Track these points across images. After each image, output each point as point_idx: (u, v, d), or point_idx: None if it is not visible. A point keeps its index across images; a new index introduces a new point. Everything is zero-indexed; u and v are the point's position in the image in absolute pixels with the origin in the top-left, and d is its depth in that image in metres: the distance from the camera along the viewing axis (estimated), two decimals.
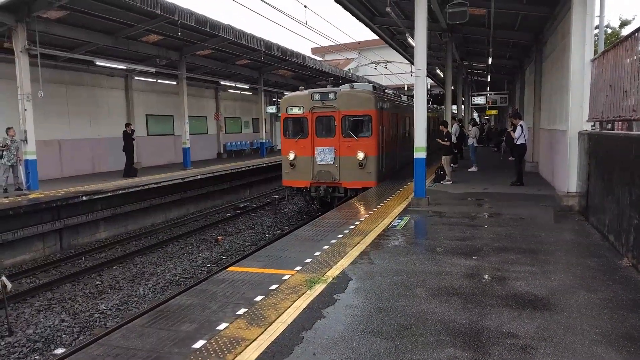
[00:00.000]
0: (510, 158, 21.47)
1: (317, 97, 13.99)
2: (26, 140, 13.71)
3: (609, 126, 8.89)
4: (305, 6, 16.31)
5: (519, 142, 13.23)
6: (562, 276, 5.72)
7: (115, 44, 16.36)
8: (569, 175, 9.68)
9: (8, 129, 13.62)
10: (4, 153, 13.42)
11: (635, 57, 6.23)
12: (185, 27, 15.35)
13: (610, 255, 6.51)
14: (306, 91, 14.35)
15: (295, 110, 14.31)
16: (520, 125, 13.17)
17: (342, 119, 13.87)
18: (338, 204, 13.49)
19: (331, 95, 13.87)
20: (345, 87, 14.46)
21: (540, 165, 16.47)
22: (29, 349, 7.49)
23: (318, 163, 14.18)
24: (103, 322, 8.43)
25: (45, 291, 9.93)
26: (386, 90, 19.83)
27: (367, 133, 13.89)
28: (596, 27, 10.98)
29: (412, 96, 24.60)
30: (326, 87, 14.86)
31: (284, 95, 17.65)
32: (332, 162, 14.02)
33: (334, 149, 13.96)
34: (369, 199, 12.07)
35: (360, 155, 13.67)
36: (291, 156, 14.48)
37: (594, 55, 9.09)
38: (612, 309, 4.70)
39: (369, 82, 24.21)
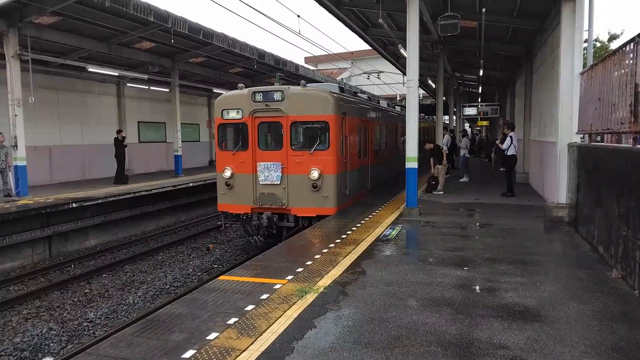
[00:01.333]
0: (502, 169, 21.69)
1: (259, 97, 11.12)
2: (16, 146, 13.59)
3: (598, 138, 9.01)
4: (298, 16, 16.39)
5: (509, 153, 13.35)
6: (552, 287, 5.76)
7: (107, 51, 16.32)
8: (558, 187, 9.77)
9: None
10: None
11: (623, 71, 6.34)
12: (178, 35, 15.36)
13: (600, 267, 6.57)
14: (246, 90, 11.42)
15: (233, 115, 11.43)
16: (510, 137, 13.29)
17: (292, 126, 11.03)
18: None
19: (277, 95, 10.97)
20: (296, 86, 11.29)
21: (531, 176, 16.61)
22: (16, 357, 7.38)
23: (261, 183, 11.25)
24: (92, 331, 8.33)
25: (34, 299, 9.81)
26: (358, 94, 16.25)
27: (324, 145, 11.01)
28: (585, 41, 11.16)
29: (403, 106, 24.74)
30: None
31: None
32: (278, 182, 11.09)
33: (281, 165, 11.05)
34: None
35: (314, 174, 10.79)
36: (227, 173, 11.51)
37: (583, 68, 9.23)
38: (602, 320, 4.73)
39: (346, 85, 21.62)
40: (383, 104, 18.62)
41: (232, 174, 11.52)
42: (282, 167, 11.06)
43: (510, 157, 13.43)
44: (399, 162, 18.55)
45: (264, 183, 11.25)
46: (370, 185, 14.54)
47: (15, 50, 13.13)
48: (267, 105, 11.07)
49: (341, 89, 13.05)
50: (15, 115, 13.43)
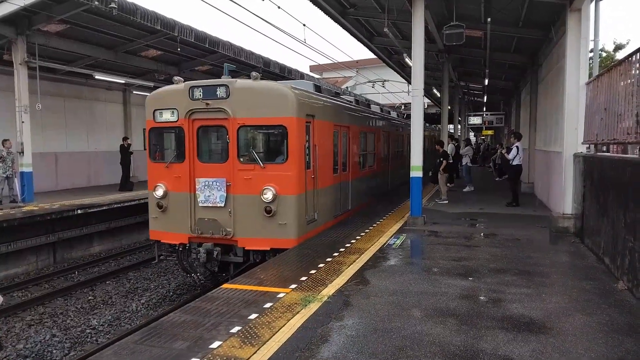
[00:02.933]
0: (499, 178, 21.63)
1: (197, 93, 8.74)
2: (23, 152, 13.69)
3: (604, 149, 8.97)
4: (304, 25, 16.47)
5: (514, 163, 13.29)
6: (557, 299, 5.71)
7: (114, 58, 16.45)
8: (564, 197, 9.72)
9: (4, 140, 13.61)
10: (0, 165, 13.38)
11: (629, 81, 6.32)
12: (184, 43, 15.46)
13: (606, 278, 6.51)
14: (182, 84, 9.00)
15: (167, 116, 9.09)
16: (516, 146, 13.24)
17: (239, 132, 8.68)
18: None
19: (220, 91, 8.61)
20: (246, 80, 8.85)
21: (536, 186, 16.53)
22: None
23: (201, 205, 8.85)
24: (95, 338, 8.33)
25: (37, 305, 9.83)
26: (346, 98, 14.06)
27: (281, 156, 8.76)
28: (591, 51, 11.16)
29: (405, 113, 24.70)
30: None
31: None
32: (222, 205, 8.72)
33: (226, 181, 8.70)
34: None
35: (268, 195, 8.45)
36: (159, 192, 9.15)
37: (589, 78, 9.21)
38: (608, 332, 4.68)
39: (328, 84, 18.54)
40: (375, 108, 16.86)
41: (166, 193, 9.14)
42: (227, 185, 8.70)
43: (515, 166, 13.37)
44: (394, 174, 17.86)
45: (204, 205, 8.82)
46: (351, 206, 12.14)
47: (23, 57, 13.27)
48: (207, 104, 8.68)
49: (317, 88, 10.93)
50: (23, 122, 13.55)
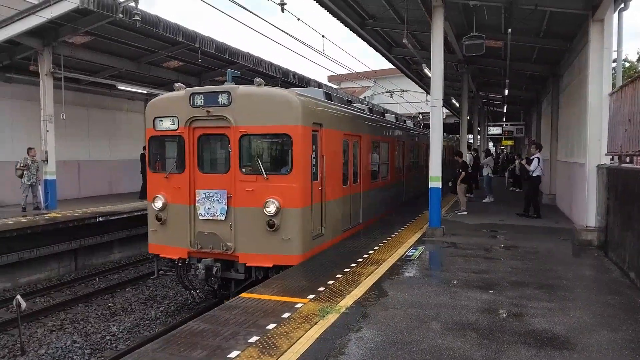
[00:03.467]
0: (513, 188, 21.30)
1: (199, 100, 8.36)
2: (47, 161, 14.00)
3: (628, 160, 8.80)
4: (323, 36, 16.58)
5: (535, 174, 13.11)
6: (581, 313, 5.58)
7: (137, 69, 16.77)
8: (587, 209, 9.54)
9: (29, 149, 13.94)
10: (25, 173, 13.70)
11: None
12: (205, 54, 15.70)
13: (631, 293, 6.35)
14: (183, 91, 8.64)
15: (167, 124, 8.74)
16: (537, 157, 13.06)
17: (241, 141, 8.26)
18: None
19: (222, 98, 8.23)
20: (249, 86, 8.45)
21: (558, 197, 16.26)
22: None
23: (200, 218, 8.44)
24: (114, 345, 8.41)
25: (59, 311, 9.98)
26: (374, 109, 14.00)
27: (285, 167, 8.29)
28: (614, 61, 10.99)
29: (422, 124, 24.53)
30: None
31: None
32: (222, 218, 8.28)
33: (227, 193, 8.27)
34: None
35: (271, 208, 7.99)
36: (158, 204, 8.75)
37: (612, 89, 9.07)
38: (635, 349, 4.56)
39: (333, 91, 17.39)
40: (390, 117, 16.43)
41: (165, 205, 8.71)
42: (228, 197, 8.24)
43: (535, 178, 13.19)
44: (410, 185, 17.32)
45: (204, 218, 8.40)
46: (363, 219, 11.63)
47: (49, 68, 13.61)
48: (208, 111, 8.30)
49: (328, 96, 10.47)
50: (47, 131, 13.88)
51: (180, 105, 8.54)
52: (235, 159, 8.22)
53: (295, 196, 8.10)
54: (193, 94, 8.40)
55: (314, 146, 8.71)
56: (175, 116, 8.61)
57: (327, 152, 9.24)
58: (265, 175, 8.07)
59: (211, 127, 8.48)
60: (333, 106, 10.14)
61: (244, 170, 8.24)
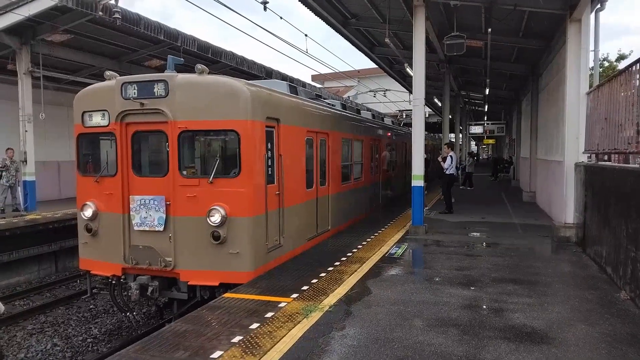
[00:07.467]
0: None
1: (132, 91, 7.21)
2: (26, 161, 13.75)
3: (605, 158, 8.98)
4: (306, 35, 16.57)
5: (448, 172, 13.82)
6: (560, 308, 5.69)
7: (118, 68, 16.51)
8: (566, 206, 9.72)
9: (7, 149, 13.67)
10: (3, 174, 13.46)
11: (629, 91, 6.35)
12: (187, 53, 15.55)
13: (608, 288, 6.49)
14: (114, 80, 7.45)
15: (97, 119, 7.57)
16: (450, 156, 13.78)
17: (180, 138, 7.13)
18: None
19: (158, 88, 7.10)
20: (190, 74, 7.24)
21: (538, 195, 16.53)
22: None
23: (136, 229, 7.28)
24: (96, 348, 8.32)
25: (39, 314, 9.82)
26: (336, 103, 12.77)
27: (232, 169, 7.15)
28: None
29: (402, 122, 24.65)
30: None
31: None
32: (161, 229, 7.14)
33: (165, 200, 7.12)
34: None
35: (216, 217, 6.87)
36: (87, 212, 7.56)
37: (590, 88, 9.25)
38: (611, 343, 4.67)
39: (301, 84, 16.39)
40: (366, 114, 15.60)
41: (96, 214, 7.53)
42: (166, 205, 7.10)
43: (448, 175, 13.91)
44: (387, 186, 16.86)
45: (139, 229, 7.22)
46: (332, 225, 10.64)
47: (27, 67, 13.36)
48: (141, 104, 7.14)
49: (293, 89, 9.43)
50: (26, 131, 13.62)
51: (111, 98, 7.33)
52: (174, 159, 7.07)
53: (244, 203, 6.98)
54: (125, 84, 7.24)
55: (269, 144, 7.61)
56: (105, 110, 7.42)
57: (287, 152, 8.15)
58: (209, 179, 6.95)
59: (146, 123, 7.30)
60: (295, 99, 9.04)
61: (184, 173, 7.15)
